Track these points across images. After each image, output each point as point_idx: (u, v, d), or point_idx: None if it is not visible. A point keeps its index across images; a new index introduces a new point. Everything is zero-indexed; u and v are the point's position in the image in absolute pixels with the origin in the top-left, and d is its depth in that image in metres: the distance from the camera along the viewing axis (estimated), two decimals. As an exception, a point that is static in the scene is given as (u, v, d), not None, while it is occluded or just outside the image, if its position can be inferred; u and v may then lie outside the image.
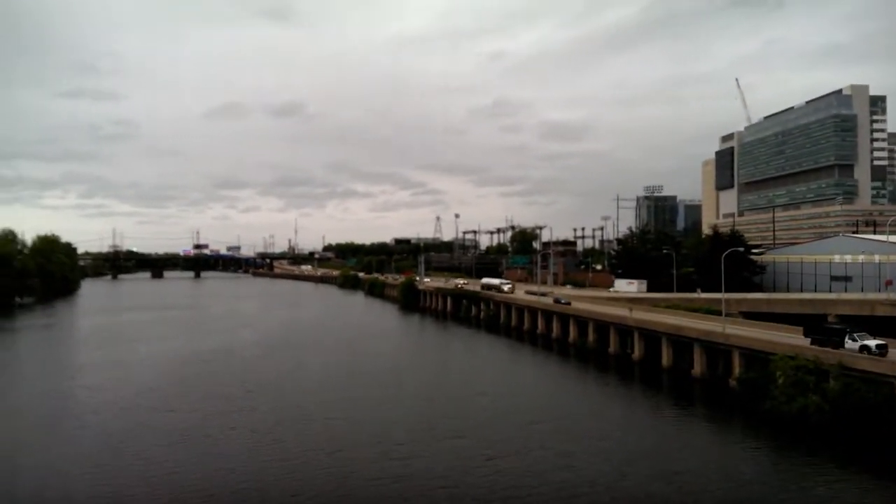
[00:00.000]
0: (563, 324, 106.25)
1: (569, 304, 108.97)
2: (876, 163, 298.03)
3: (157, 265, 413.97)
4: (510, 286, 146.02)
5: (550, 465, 43.95)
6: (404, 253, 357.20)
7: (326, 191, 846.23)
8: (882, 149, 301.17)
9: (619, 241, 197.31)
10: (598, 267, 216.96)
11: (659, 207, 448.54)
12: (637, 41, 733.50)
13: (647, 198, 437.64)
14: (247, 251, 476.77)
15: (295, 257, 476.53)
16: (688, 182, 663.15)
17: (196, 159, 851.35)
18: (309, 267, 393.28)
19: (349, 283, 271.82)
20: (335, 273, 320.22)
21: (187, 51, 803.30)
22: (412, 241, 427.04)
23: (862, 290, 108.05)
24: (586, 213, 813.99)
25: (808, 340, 62.31)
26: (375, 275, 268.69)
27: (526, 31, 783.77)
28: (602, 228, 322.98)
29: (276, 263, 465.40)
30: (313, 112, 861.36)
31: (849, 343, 57.51)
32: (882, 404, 50.45)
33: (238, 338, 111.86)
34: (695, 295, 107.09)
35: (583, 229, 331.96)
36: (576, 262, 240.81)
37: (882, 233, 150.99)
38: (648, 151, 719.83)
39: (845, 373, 53.75)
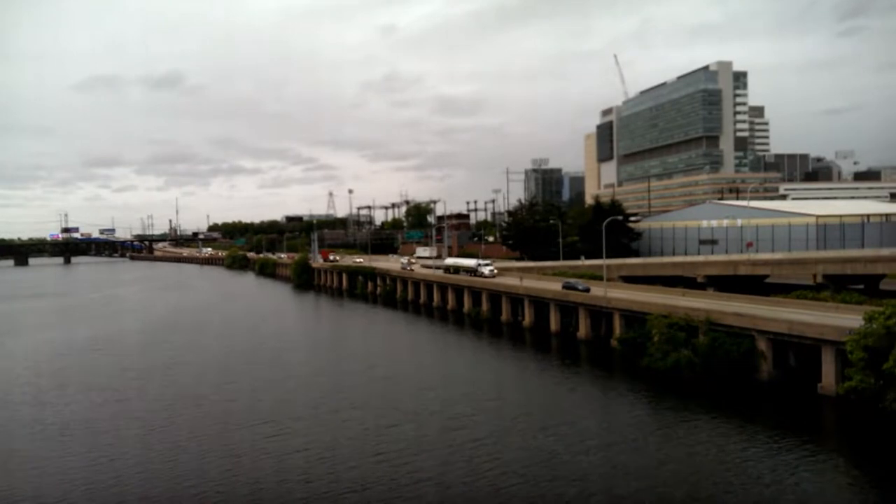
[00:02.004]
0: (458, 295, 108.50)
1: (588, 290, 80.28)
2: (738, 134, 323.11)
3: (21, 252, 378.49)
4: (492, 268, 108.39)
5: (443, 426, 45.54)
6: (297, 231, 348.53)
7: (211, 167, 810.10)
8: (744, 121, 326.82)
9: (509, 213, 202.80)
10: (491, 239, 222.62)
11: (546, 179, 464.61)
12: (528, 18, 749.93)
13: (534, 170, 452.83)
14: (123, 234, 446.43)
15: (177, 239, 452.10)
16: (572, 154, 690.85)
17: (64, 136, 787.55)
18: (209, 250, 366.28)
19: (238, 264, 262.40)
20: (223, 254, 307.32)
21: (52, 17, 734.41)
22: (305, 219, 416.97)
23: (726, 252, 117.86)
24: (479, 187, 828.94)
25: None
26: (266, 254, 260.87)
27: (418, 5, 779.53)
28: (493, 201, 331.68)
29: (156, 246, 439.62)
30: (195, 84, 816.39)
31: None
32: (744, 355, 55.87)
33: (118, 325, 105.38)
34: (579, 262, 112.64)
35: (475, 202, 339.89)
36: (469, 234, 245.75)
37: (744, 199, 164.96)
38: (538, 125, 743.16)
39: (713, 328, 58.84)
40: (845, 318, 52.89)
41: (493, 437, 43.11)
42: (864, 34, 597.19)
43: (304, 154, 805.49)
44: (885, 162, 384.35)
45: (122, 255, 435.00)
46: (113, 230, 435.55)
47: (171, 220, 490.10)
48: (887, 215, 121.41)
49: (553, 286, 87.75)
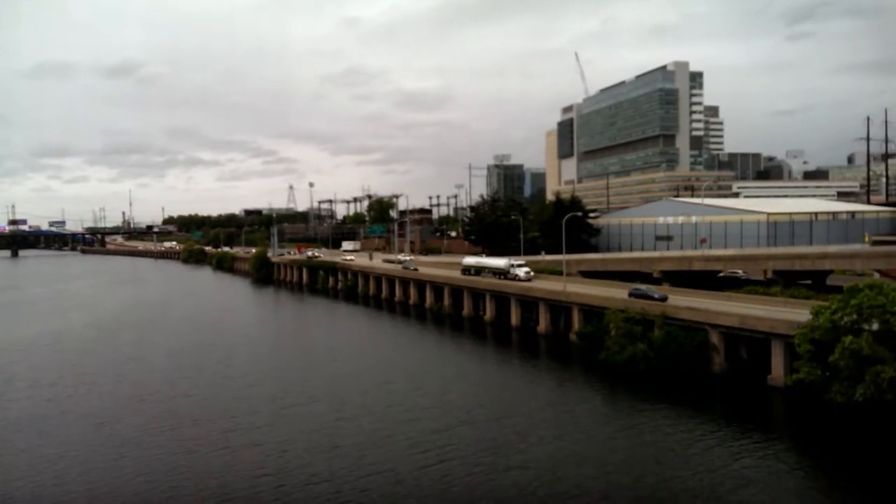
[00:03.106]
0: (420, 290, 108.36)
1: (665, 299, 67.01)
2: (694, 133, 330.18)
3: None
4: (527, 270, 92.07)
5: (400, 419, 45.72)
6: (256, 224, 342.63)
7: (166, 159, 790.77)
8: (699, 120, 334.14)
9: (471, 208, 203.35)
10: (454, 234, 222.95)
11: (508, 175, 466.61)
12: (491, 15, 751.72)
13: (497, 166, 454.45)
14: (73, 226, 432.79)
15: (130, 232, 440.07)
16: (534, 151, 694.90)
17: (11, 124, 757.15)
18: (174, 243, 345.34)
19: (194, 258, 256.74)
20: (179, 248, 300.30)
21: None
22: (264, 212, 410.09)
23: (681, 248, 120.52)
24: (441, 182, 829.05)
25: None
26: (224, 248, 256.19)
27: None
28: (456, 196, 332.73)
29: (109, 239, 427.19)
30: (151, 73, 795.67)
31: None
32: (697, 348, 57.24)
33: (69, 321, 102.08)
34: (540, 257, 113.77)
35: (438, 197, 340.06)
36: (432, 229, 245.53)
37: (698, 196, 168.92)
38: (500, 121, 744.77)
39: (668, 322, 60.12)
40: (794, 313, 54.65)
41: (449, 428, 43.46)
42: (814, 39, 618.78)
43: (265, 146, 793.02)
44: (832, 162, 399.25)
45: (73, 249, 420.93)
46: (63, 222, 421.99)
47: (124, 213, 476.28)
48: (834, 213, 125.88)
49: (616, 294, 72.10)
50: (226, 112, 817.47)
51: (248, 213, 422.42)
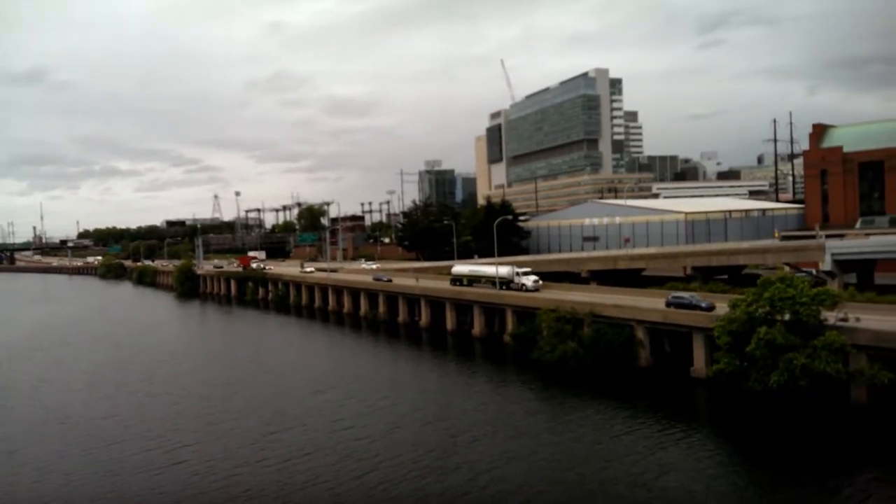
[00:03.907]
0: (354, 298, 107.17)
1: (713, 308, 55.95)
2: (615, 137, 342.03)
3: None
4: (536, 279, 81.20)
5: (332, 428, 45.16)
6: (179, 236, 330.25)
7: (81, 169, 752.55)
8: (620, 125, 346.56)
9: (404, 214, 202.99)
10: (387, 240, 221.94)
11: (439, 180, 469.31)
12: (418, 21, 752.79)
13: (428, 172, 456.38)
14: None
15: (43, 247, 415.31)
16: (465, 156, 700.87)
17: None
18: (99, 258, 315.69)
19: (113, 273, 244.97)
20: (97, 262, 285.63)
21: None
22: (188, 223, 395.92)
23: (607, 248, 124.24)
24: (373, 188, 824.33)
25: None
26: (145, 262, 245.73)
27: (307, 3, 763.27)
28: (388, 202, 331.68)
29: (19, 255, 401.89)
30: (63, 80, 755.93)
31: None
32: (624, 344, 59.06)
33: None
34: (473, 261, 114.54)
35: (370, 204, 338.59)
36: (365, 236, 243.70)
37: (621, 198, 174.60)
38: (430, 127, 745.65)
39: (596, 320, 61.76)
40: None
41: (383, 434, 43.26)
42: (724, 46, 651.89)
43: (187, 155, 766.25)
44: (744, 162, 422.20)
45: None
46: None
47: (35, 228, 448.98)
48: (746, 211, 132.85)
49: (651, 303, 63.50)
50: (144, 120, 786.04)
51: (171, 224, 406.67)
